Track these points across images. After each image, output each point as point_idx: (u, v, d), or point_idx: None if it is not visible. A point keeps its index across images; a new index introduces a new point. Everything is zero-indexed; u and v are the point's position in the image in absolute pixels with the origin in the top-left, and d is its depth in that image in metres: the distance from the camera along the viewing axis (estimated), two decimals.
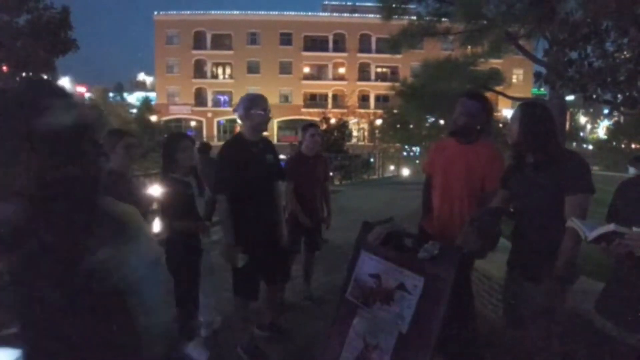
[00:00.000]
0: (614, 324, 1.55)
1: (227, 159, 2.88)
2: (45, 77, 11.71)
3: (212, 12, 43.46)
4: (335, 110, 30.44)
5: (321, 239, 4.16)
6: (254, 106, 2.86)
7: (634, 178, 1.84)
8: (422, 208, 2.91)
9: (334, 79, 43.28)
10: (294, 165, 3.95)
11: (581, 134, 44.26)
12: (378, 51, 40.06)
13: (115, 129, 3.50)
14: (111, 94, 37.57)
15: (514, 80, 27.73)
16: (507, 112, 30.54)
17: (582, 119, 45.64)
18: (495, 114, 23.67)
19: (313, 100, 42.79)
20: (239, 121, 3.08)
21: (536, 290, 2.09)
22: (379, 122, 32.68)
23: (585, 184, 1.99)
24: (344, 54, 42.85)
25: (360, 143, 34.66)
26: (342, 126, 22.50)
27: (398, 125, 27.64)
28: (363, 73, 43.30)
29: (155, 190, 3.46)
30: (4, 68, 11.15)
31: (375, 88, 41.95)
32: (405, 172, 24.15)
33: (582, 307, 2.45)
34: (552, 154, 2.05)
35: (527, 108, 2.16)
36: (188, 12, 43.47)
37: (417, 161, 27.63)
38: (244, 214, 2.82)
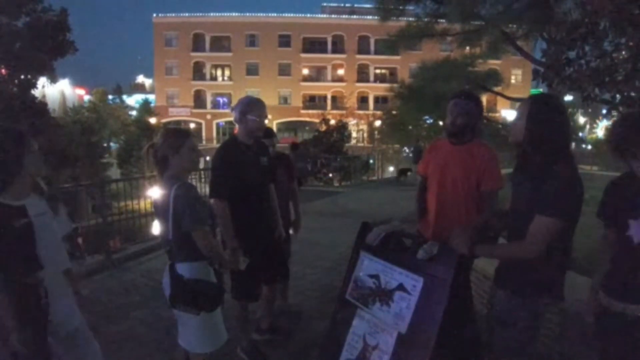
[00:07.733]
0: (619, 300, 1.74)
1: (222, 162, 2.88)
2: (43, 79, 11.70)
3: (211, 14, 43.50)
4: (335, 111, 30.41)
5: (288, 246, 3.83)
6: (250, 111, 2.86)
7: (622, 175, 1.83)
8: (417, 211, 2.88)
9: (333, 80, 43.29)
10: None
11: (580, 134, 44.26)
12: (377, 52, 40.11)
13: (178, 128, 3.00)
14: (110, 96, 37.42)
15: (513, 81, 27.72)
16: (505, 112, 30.57)
17: (581, 119, 45.65)
18: (493, 114, 23.69)
19: (312, 101, 42.81)
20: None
21: (505, 301, 1.99)
22: (378, 123, 32.68)
23: (555, 209, 1.76)
24: (343, 56, 42.87)
25: (360, 144, 34.62)
26: (342, 127, 22.51)
27: (398, 127, 27.61)
28: (362, 74, 43.32)
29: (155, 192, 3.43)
30: (3, 70, 11.14)
31: (374, 89, 41.97)
32: None
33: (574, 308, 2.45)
34: (541, 161, 1.84)
35: (537, 104, 1.88)
36: (187, 14, 43.45)
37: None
38: (240, 216, 2.81)
